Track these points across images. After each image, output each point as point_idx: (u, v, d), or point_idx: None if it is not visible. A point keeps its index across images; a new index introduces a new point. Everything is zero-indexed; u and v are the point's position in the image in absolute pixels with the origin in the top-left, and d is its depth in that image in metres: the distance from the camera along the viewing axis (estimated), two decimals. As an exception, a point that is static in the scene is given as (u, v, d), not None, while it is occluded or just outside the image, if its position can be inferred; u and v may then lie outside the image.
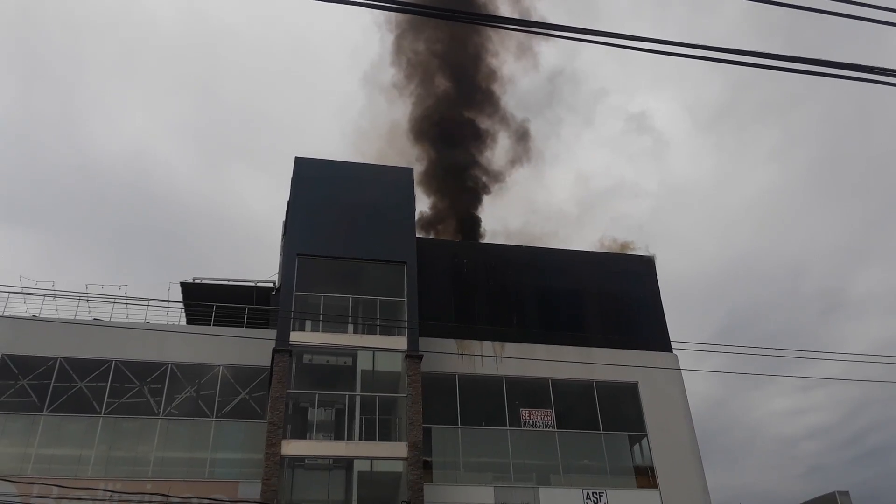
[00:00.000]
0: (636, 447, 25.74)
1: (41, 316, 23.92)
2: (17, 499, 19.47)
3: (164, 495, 16.49)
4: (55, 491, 18.96)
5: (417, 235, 26.80)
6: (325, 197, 25.59)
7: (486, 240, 37.55)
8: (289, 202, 26.06)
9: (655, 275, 29.34)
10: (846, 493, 19.56)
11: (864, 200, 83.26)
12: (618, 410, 25.86)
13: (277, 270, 27.21)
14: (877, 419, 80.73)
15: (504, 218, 71.60)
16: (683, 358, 27.02)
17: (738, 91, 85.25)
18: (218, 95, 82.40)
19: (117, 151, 76.61)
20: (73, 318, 23.70)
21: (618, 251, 32.82)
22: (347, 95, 79.05)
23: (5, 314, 23.75)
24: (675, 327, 28.24)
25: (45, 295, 22.39)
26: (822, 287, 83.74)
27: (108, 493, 19.63)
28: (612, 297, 28.47)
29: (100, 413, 22.54)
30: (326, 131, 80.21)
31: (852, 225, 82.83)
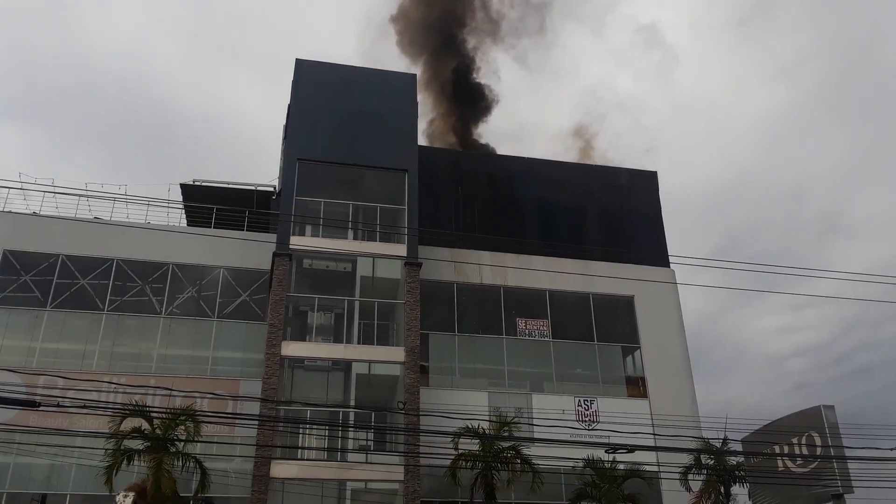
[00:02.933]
0: (629, 358, 26.32)
1: (41, 213, 23.90)
2: (23, 389, 19.90)
3: (168, 389, 16.93)
4: (60, 383, 19.38)
5: (419, 143, 26.51)
6: (327, 101, 25.16)
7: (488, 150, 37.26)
8: (289, 106, 25.63)
9: (657, 190, 29.25)
10: (831, 408, 20.10)
11: (869, 122, 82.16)
12: (613, 322, 26.29)
13: (278, 175, 27.04)
14: (866, 339, 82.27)
15: (507, 130, 70.71)
16: (679, 273, 27.26)
17: (751, 4, 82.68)
18: (215, -6, 79.79)
19: (112, 49, 74.79)
20: (73, 215, 23.69)
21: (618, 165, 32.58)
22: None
23: (6, 210, 23.73)
24: (673, 242, 28.34)
25: (45, 192, 22.28)
26: (822, 208, 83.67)
27: (113, 387, 20.10)
28: (612, 210, 28.48)
29: (103, 310, 22.86)
30: (328, 33, 78.16)
31: (855, 147, 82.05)
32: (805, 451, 20.03)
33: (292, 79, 25.50)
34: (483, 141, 38.99)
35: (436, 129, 39.32)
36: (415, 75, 28.89)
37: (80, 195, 22.40)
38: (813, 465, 19.86)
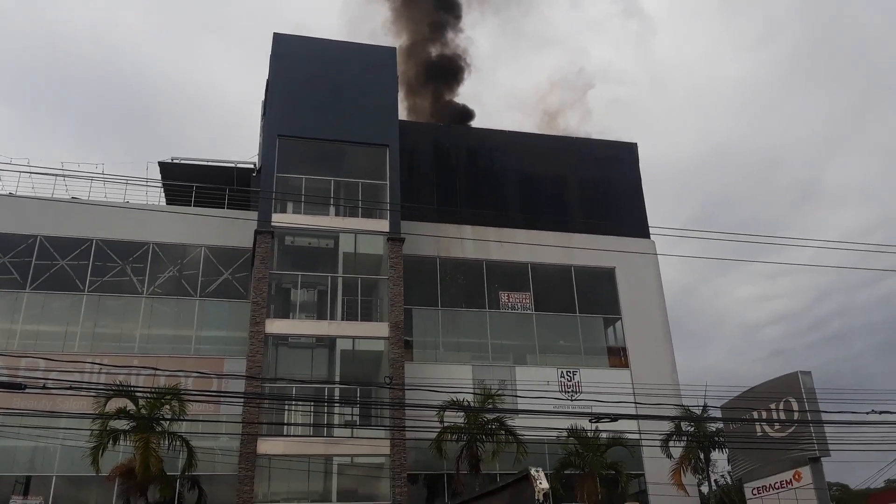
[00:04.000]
0: (610, 329, 26.63)
1: (18, 193, 23.54)
2: (5, 371, 19.77)
3: (152, 368, 16.92)
4: (42, 364, 19.26)
5: (400, 118, 26.38)
6: (306, 76, 24.90)
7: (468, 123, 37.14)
8: (268, 81, 25.36)
9: (637, 161, 29.41)
10: (808, 374, 20.49)
11: (843, 90, 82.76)
12: (594, 294, 26.54)
13: (258, 151, 26.80)
14: (840, 306, 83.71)
15: (485, 102, 70.41)
16: (659, 243, 27.52)
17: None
18: (188, -34, 78.28)
19: (84, 23, 73.31)
20: (50, 195, 23.39)
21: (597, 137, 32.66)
22: (325, -31, 75.47)
23: (-20, 191, 23.36)
24: (652, 213, 28.63)
25: (20, 172, 21.91)
26: (797, 176, 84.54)
27: (97, 367, 20.04)
28: (592, 182, 28.60)
29: (83, 291, 22.69)
30: (306, 3, 77.07)
31: (830, 115, 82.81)
32: (783, 416, 20.47)
33: (270, 53, 25.20)
34: (461, 103, 38.86)
35: (414, 101, 39.12)
36: (394, 49, 28.65)
37: (56, 175, 22.06)
38: (791, 430, 20.29)
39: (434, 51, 40.19)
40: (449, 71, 39.85)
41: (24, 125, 73.84)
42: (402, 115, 30.00)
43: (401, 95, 32.28)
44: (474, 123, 38.06)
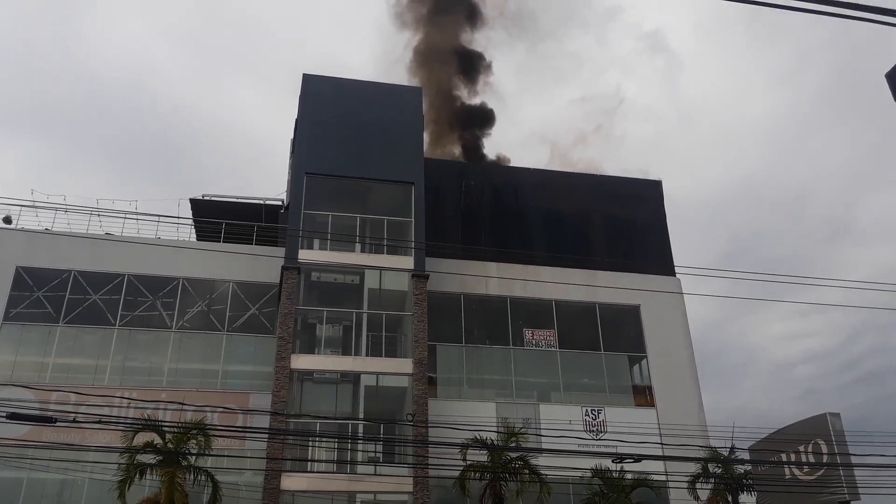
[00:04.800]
0: (635, 367, 26.43)
1: (53, 229, 24.22)
2: (36, 405, 20.15)
3: (179, 403, 17.17)
4: (73, 398, 19.62)
5: (425, 156, 26.76)
6: (334, 115, 25.44)
7: (494, 161, 37.52)
8: (297, 120, 25.93)
9: (662, 199, 29.41)
10: (837, 415, 20.13)
11: (872, 125, 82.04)
12: (619, 332, 26.42)
13: (286, 188, 27.31)
14: (874, 345, 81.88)
15: (512, 139, 70.97)
16: (685, 281, 27.41)
17: (753, 9, 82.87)
18: (217, 5, 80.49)
19: (118, 62, 75.46)
20: (85, 231, 24.04)
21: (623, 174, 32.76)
22: (355, 9, 77.25)
23: (18, 227, 24.05)
24: (678, 250, 28.51)
25: (56, 209, 22.59)
26: (828, 213, 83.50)
27: (126, 401, 20.37)
28: (617, 220, 28.65)
29: (114, 325, 23.14)
30: (335, 42, 78.64)
31: (859, 150, 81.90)
32: (811, 458, 20.09)
33: (300, 93, 25.81)
34: (488, 151, 39.30)
35: (441, 139, 39.64)
36: (420, 89, 29.19)
37: (91, 212, 22.71)
38: (819, 473, 19.88)
39: (461, 94, 40.83)
40: (476, 116, 40.41)
41: (61, 162, 75.80)
42: (427, 152, 30.43)
43: (426, 133, 32.78)
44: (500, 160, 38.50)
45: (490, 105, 41.62)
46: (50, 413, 15.82)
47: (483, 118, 40.58)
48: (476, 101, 41.35)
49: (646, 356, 25.95)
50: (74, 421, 14.61)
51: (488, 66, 43.25)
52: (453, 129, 39.82)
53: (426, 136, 29.84)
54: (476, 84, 41.97)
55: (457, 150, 38.67)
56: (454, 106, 40.39)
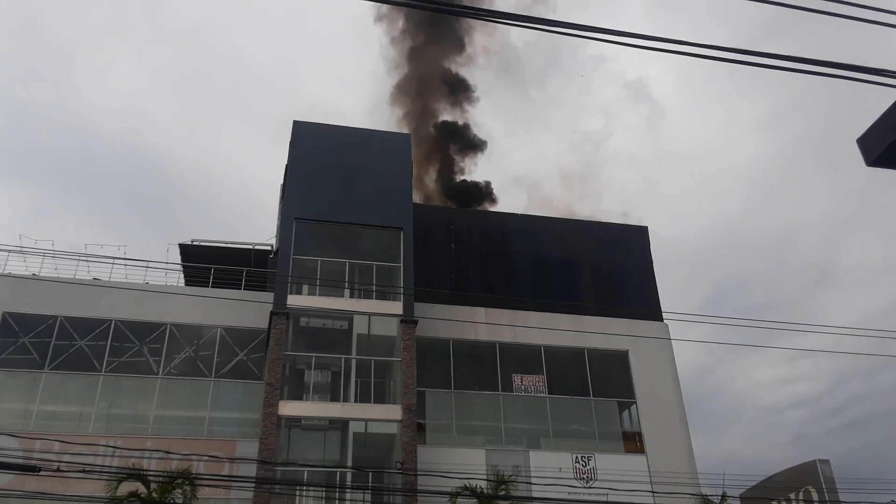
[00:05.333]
0: (625, 413, 26.37)
1: (41, 274, 24.11)
2: (20, 453, 19.84)
3: (165, 451, 16.94)
4: (57, 446, 19.34)
5: (414, 201, 26.99)
6: (323, 161, 25.69)
7: (481, 206, 37.86)
8: (287, 166, 26.16)
9: (648, 244, 29.73)
10: (826, 462, 20.17)
11: (853, 171, 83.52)
12: (608, 377, 26.42)
13: (275, 233, 27.40)
14: (861, 390, 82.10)
15: (497, 185, 71.67)
16: (672, 326, 27.56)
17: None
18: (207, 52, 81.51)
19: (107, 108, 75.98)
20: (72, 276, 23.95)
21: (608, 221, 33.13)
22: (342, 53, 78.41)
23: (5, 272, 23.93)
24: (664, 295, 28.74)
25: (45, 254, 22.56)
26: (811, 258, 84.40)
27: (110, 449, 20.07)
28: (604, 265, 28.88)
29: (100, 371, 22.89)
30: (320, 90, 79.62)
31: (841, 195, 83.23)
32: (803, 506, 20.08)
33: (290, 140, 26.08)
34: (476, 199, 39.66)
35: (425, 184, 40.03)
36: (409, 135, 29.58)
37: (79, 258, 22.68)
38: (811, 521, 19.89)
39: (447, 137, 41.37)
40: (463, 154, 40.91)
41: (51, 207, 75.70)
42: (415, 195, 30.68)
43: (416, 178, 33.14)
44: (484, 205, 38.87)
45: (475, 141, 42.22)
46: (34, 461, 15.60)
47: (468, 145, 41.19)
48: (462, 135, 41.94)
49: (635, 402, 25.92)
50: (58, 470, 14.41)
51: (474, 99, 44.01)
52: (434, 156, 40.31)
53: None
54: (461, 110, 42.71)
55: (433, 179, 39.04)
56: (438, 135, 40.92)
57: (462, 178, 40.47)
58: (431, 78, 42.72)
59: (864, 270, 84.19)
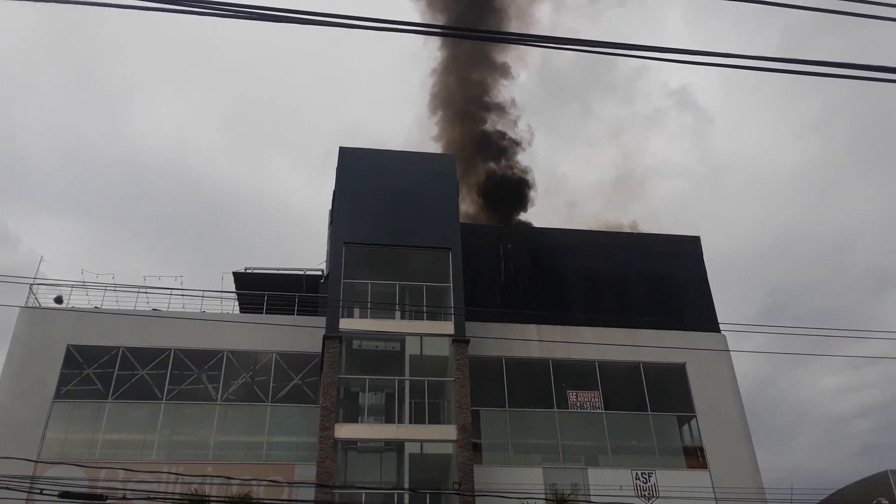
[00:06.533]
0: (685, 428, 25.78)
1: (102, 307, 24.88)
2: (86, 482, 20.38)
3: (225, 477, 17.22)
4: (122, 474, 19.83)
5: (461, 221, 27.08)
6: (370, 186, 25.99)
7: (528, 221, 37.74)
8: (334, 192, 26.55)
9: (701, 255, 29.16)
10: (900, 472, 19.41)
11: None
12: (666, 391, 25.90)
13: (325, 258, 27.78)
14: (934, 396, 78.66)
15: (546, 203, 71.42)
16: (729, 337, 26.88)
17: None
18: (251, 84, 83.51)
19: (157, 144, 78.34)
20: (132, 308, 24.64)
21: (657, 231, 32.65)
22: (384, 83, 79.49)
23: (69, 306, 24.77)
24: (719, 305, 28.00)
25: (105, 288, 23.30)
26: (870, 262, 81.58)
27: (173, 476, 20.47)
28: (657, 278, 28.43)
29: (161, 399, 23.46)
30: (364, 116, 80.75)
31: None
32: (877, 519, 19.29)
33: (336, 166, 26.49)
34: (525, 217, 39.63)
35: (474, 211, 40.18)
36: (454, 156, 29.77)
37: (138, 290, 23.35)
38: (886, 535, 19.08)
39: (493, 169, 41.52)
40: (510, 193, 41.00)
41: (108, 242, 78.17)
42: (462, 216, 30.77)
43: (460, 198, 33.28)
44: (532, 221, 38.74)
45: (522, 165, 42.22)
46: (100, 490, 16.00)
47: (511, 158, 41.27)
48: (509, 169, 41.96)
49: (695, 415, 25.32)
50: (124, 497, 14.75)
51: (515, 117, 44.08)
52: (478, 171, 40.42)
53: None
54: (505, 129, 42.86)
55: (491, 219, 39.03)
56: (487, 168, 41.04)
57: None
58: (473, 99, 43.00)
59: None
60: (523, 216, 39.76)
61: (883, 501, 18.80)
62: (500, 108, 43.90)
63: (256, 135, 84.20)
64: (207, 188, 79.19)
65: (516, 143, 42.97)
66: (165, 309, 25.05)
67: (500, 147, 42.30)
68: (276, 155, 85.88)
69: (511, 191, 40.51)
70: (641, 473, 23.62)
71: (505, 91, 45.23)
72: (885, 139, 79.43)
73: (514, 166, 41.97)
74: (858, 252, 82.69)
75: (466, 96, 43.12)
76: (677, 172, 78.24)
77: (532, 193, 41.59)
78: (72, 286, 23.96)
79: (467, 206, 38.82)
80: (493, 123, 43.18)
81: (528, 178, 41.83)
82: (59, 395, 23.11)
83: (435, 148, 41.35)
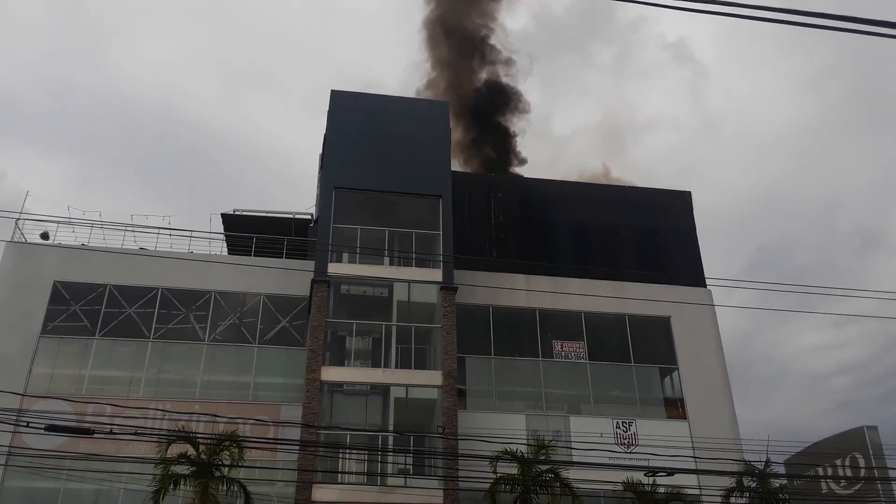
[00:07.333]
0: (667, 379, 26.20)
1: (89, 245, 24.75)
2: (73, 416, 20.52)
3: (212, 415, 17.39)
4: (109, 410, 19.95)
5: (453, 169, 26.89)
6: (362, 130, 25.71)
7: (520, 172, 37.60)
8: (325, 135, 26.25)
9: (691, 210, 29.21)
10: (874, 428, 19.80)
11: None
12: (649, 344, 26.22)
13: (315, 202, 27.62)
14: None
15: (538, 153, 71.06)
16: (714, 292, 27.12)
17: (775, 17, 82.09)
18: (241, 24, 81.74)
19: (146, 82, 76.91)
20: (119, 247, 24.51)
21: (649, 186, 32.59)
22: (379, 21, 77.97)
23: (55, 243, 24.62)
24: (706, 260, 28.16)
25: (92, 225, 23.12)
26: (858, 222, 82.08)
27: (160, 413, 20.69)
28: (646, 231, 28.49)
29: (148, 338, 23.54)
30: (359, 60, 79.44)
31: (889, 158, 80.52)
32: (849, 472, 19.75)
33: (328, 109, 26.14)
34: (514, 164, 39.40)
35: (466, 152, 39.84)
36: (447, 102, 29.38)
37: (126, 228, 23.19)
38: (857, 487, 19.56)
39: (485, 104, 41.04)
40: (501, 129, 40.65)
41: (95, 180, 77.35)
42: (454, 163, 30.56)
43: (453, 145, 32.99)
44: (523, 171, 38.58)
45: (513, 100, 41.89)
46: (87, 424, 16.12)
47: (507, 106, 40.93)
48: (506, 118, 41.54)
49: (677, 368, 25.70)
50: (111, 432, 14.86)
51: (511, 64, 43.55)
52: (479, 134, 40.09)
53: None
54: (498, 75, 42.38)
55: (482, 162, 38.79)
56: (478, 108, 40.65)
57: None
58: (468, 42, 42.32)
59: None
60: (516, 168, 39.61)
61: (858, 457, 19.28)
62: (495, 54, 43.30)
63: (246, 74, 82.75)
64: (195, 128, 78.11)
65: (511, 92, 42.50)
66: (153, 248, 24.91)
67: (494, 95, 41.82)
68: (266, 95, 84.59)
69: (503, 140, 40.22)
70: (622, 422, 24.07)
71: (502, 38, 44.55)
72: (880, 99, 79.12)
73: (507, 115, 41.60)
74: (846, 212, 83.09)
75: (461, 41, 42.41)
76: (671, 126, 77.84)
77: (524, 144, 41.29)
78: (58, 222, 23.77)
79: (458, 154, 38.52)
80: (490, 72, 42.61)
81: (521, 127, 41.53)
82: (45, 330, 23.14)
83: (429, 95, 40.83)
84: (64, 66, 76.32)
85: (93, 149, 77.97)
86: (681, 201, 29.45)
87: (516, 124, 41.78)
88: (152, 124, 76.70)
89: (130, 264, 24.06)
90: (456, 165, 31.31)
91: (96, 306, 23.69)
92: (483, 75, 42.43)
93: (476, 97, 41.34)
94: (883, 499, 18.71)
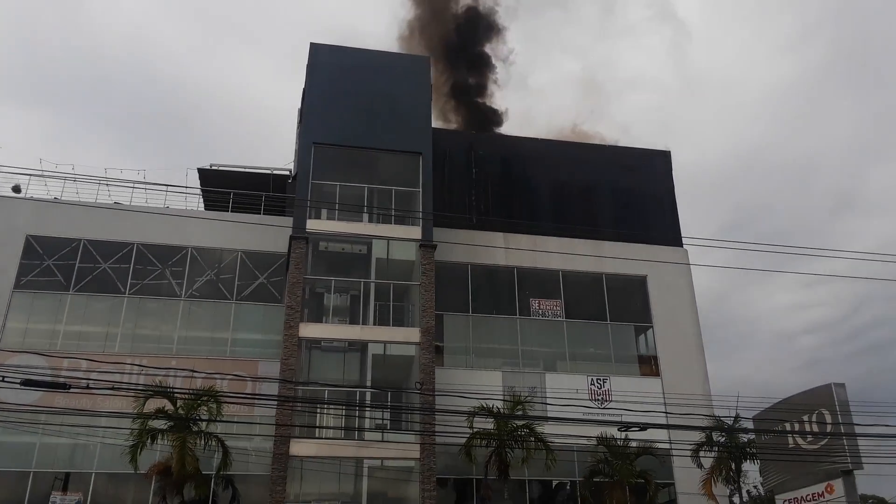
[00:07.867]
0: (641, 337, 26.57)
1: (62, 198, 24.33)
2: (49, 371, 20.42)
3: (190, 370, 17.39)
4: (84, 365, 19.86)
5: (433, 126, 26.65)
6: (342, 85, 25.31)
7: (500, 129, 37.41)
8: (304, 90, 25.82)
9: (670, 169, 29.31)
10: (842, 385, 20.26)
11: (881, 94, 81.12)
12: (625, 302, 26.52)
13: (293, 158, 27.30)
14: (879, 316, 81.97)
15: (517, 109, 70.57)
16: (691, 251, 27.39)
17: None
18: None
19: (120, 34, 74.99)
20: (93, 201, 24.13)
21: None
22: (361, -23, 76.35)
23: (27, 196, 24.18)
24: (684, 220, 28.40)
25: (65, 178, 22.70)
26: (835, 184, 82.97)
27: (137, 368, 20.65)
28: (625, 190, 28.57)
29: (124, 293, 23.36)
30: (339, 12, 77.93)
31: (867, 120, 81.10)
32: (816, 428, 20.27)
33: (307, 63, 25.66)
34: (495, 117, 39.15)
35: (444, 105, 39.45)
36: (428, 58, 28.99)
37: (99, 182, 22.81)
38: (823, 442, 20.08)
39: (464, 52, 40.55)
40: (481, 75, 40.21)
41: (68, 132, 75.80)
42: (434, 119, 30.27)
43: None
44: (504, 129, 38.37)
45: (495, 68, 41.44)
46: (63, 379, 16.04)
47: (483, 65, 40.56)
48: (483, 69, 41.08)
49: (652, 326, 26.06)
50: (87, 387, 14.81)
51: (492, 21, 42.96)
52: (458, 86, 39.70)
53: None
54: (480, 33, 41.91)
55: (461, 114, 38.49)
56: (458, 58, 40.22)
57: (479, 100, 39.76)
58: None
59: (888, 196, 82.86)
60: (496, 103, 39.39)
61: (825, 413, 19.75)
62: (476, 11, 42.60)
63: (225, 25, 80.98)
64: (172, 81, 76.56)
65: (492, 23, 42.09)
66: (128, 203, 24.56)
67: (475, 52, 41.30)
68: (245, 49, 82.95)
69: (483, 96, 39.87)
70: (596, 379, 24.46)
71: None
72: (859, 63, 79.31)
73: (487, 72, 41.17)
74: (822, 173, 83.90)
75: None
76: (653, 86, 77.61)
77: (503, 98, 40.99)
78: (30, 175, 23.33)
79: (439, 111, 38.16)
80: (469, 22, 41.97)
81: (501, 84, 41.17)
82: (18, 285, 22.88)
83: (409, 49, 40.21)
84: (35, 16, 74.12)
85: (64, 101, 76.31)
86: (661, 161, 29.51)
87: (497, 55, 41.51)
88: (127, 78, 75.12)
89: (105, 219, 23.70)
90: (436, 113, 30.97)
91: (70, 261, 23.41)
92: (464, 31, 41.81)
93: (456, 28, 40.70)
94: (848, 453, 19.25)
